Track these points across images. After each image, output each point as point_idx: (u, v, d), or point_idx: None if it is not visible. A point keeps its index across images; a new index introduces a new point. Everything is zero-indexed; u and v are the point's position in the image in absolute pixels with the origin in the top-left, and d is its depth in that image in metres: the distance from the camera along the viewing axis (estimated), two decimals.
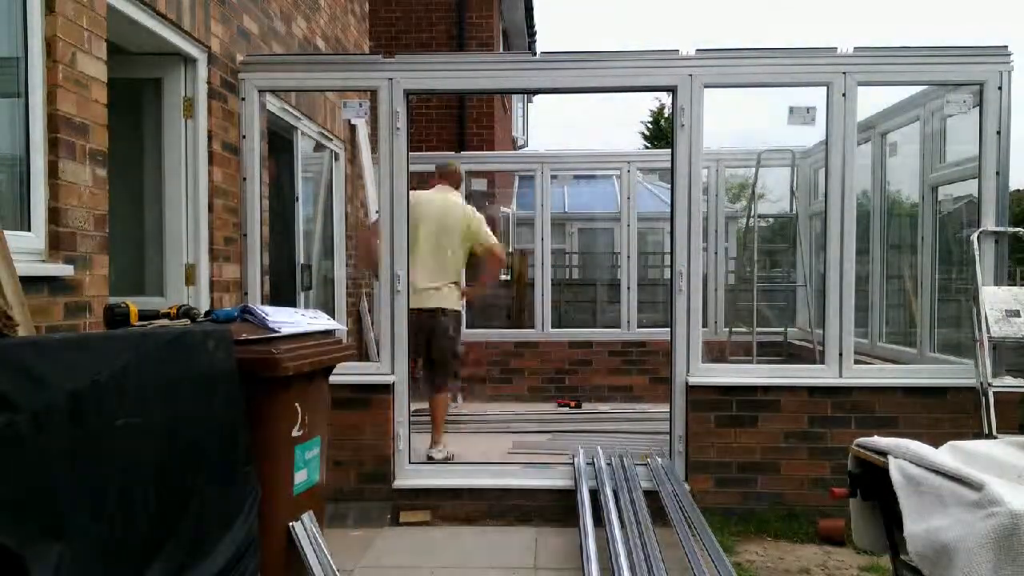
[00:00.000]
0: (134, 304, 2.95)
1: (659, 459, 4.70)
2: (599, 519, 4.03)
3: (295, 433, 3.07)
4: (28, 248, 2.93)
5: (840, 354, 4.52)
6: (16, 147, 2.97)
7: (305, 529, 3.09)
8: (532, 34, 15.01)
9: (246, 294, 4.69)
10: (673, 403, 4.64)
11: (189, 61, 4.25)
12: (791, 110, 4.68)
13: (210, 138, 4.37)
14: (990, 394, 4.14)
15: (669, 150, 4.84)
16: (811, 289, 7.16)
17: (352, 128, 7.10)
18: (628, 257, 7.86)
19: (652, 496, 4.43)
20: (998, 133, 4.45)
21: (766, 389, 4.56)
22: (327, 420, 3.45)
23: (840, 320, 4.53)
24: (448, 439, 5.54)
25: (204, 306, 4.25)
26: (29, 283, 2.73)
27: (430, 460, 5.21)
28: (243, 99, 4.69)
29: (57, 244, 3.05)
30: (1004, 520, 1.94)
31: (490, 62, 5.24)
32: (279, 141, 5.68)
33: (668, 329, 4.72)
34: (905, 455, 2.35)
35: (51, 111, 3.02)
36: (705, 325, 5.89)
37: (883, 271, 6.15)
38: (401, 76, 4.62)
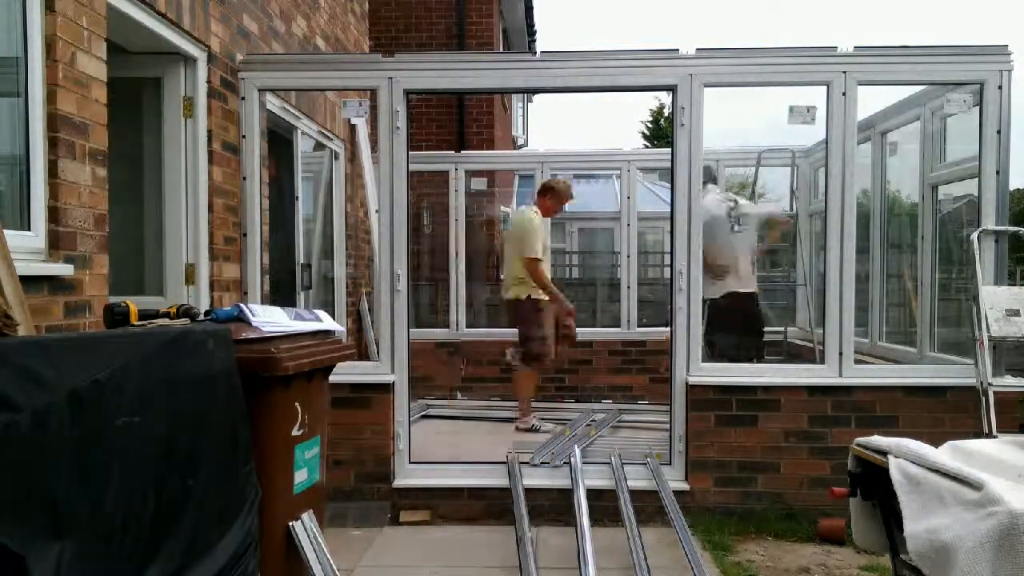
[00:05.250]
0: (134, 304, 2.95)
1: (654, 459, 4.71)
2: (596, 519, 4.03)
3: (295, 432, 3.07)
4: (28, 247, 2.93)
5: (840, 353, 4.52)
6: (16, 146, 2.97)
7: (305, 529, 3.08)
8: (532, 34, 15.01)
9: (246, 294, 4.69)
10: (673, 403, 4.64)
11: (189, 60, 4.25)
12: (791, 109, 4.69)
13: (210, 138, 4.37)
14: (990, 393, 4.14)
15: (669, 150, 4.84)
16: (811, 288, 7.15)
17: (352, 127, 7.10)
18: (628, 256, 7.86)
19: (652, 496, 4.44)
20: (998, 132, 4.45)
21: (766, 389, 4.56)
22: (327, 420, 3.44)
23: (840, 319, 4.52)
24: (453, 438, 5.56)
25: (204, 306, 4.25)
26: (29, 282, 2.73)
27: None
28: (243, 98, 4.69)
29: (57, 243, 3.05)
30: (1004, 520, 1.93)
31: (490, 62, 5.24)
32: (279, 140, 5.68)
33: (668, 328, 4.72)
34: (905, 454, 2.35)
35: (51, 111, 3.02)
36: None
37: (883, 270, 6.15)
38: (401, 75, 4.62)
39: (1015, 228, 4.61)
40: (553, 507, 4.55)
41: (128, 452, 2.17)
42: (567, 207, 7.22)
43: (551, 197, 6.54)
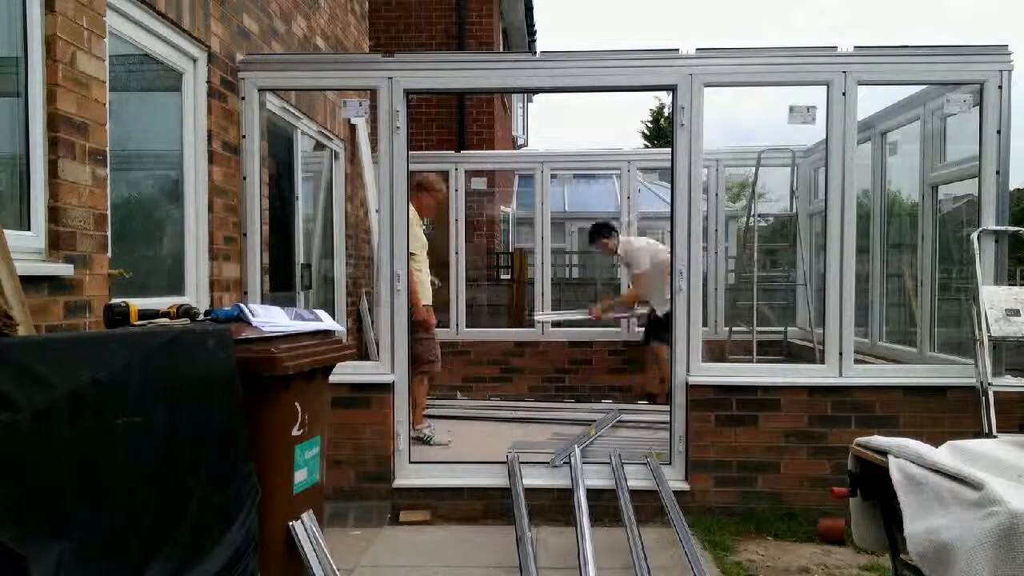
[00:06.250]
0: (134, 304, 2.95)
1: (654, 459, 4.70)
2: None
3: (295, 432, 3.07)
4: (28, 247, 2.93)
5: (840, 353, 4.52)
6: (16, 146, 2.97)
7: (305, 528, 3.09)
8: (532, 34, 15.02)
9: (246, 293, 4.69)
10: (673, 403, 4.64)
11: (189, 60, 4.24)
12: (791, 109, 4.68)
13: (210, 137, 4.37)
14: (990, 393, 4.14)
15: (669, 150, 4.84)
16: (811, 288, 7.15)
17: (352, 127, 7.10)
18: None
19: (652, 495, 4.44)
20: (998, 132, 4.45)
21: (766, 388, 4.56)
22: (327, 419, 3.44)
23: (840, 319, 4.52)
24: (453, 438, 5.54)
25: (204, 306, 4.25)
26: (29, 282, 2.73)
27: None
28: (243, 98, 4.68)
29: (57, 243, 3.05)
30: (1004, 520, 1.93)
31: (490, 61, 5.24)
32: (279, 140, 5.68)
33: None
34: (905, 454, 2.35)
35: (51, 110, 3.02)
36: (705, 324, 5.89)
37: (883, 270, 6.16)
38: (401, 75, 4.62)
39: (1015, 228, 4.61)
40: (553, 507, 4.55)
41: (128, 452, 2.17)
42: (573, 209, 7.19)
43: (427, 194, 5.90)
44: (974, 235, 4.44)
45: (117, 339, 2.33)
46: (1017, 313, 4.27)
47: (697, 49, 4.58)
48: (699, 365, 4.59)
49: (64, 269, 3.03)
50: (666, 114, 28.56)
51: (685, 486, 4.55)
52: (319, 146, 6.62)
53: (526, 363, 7.86)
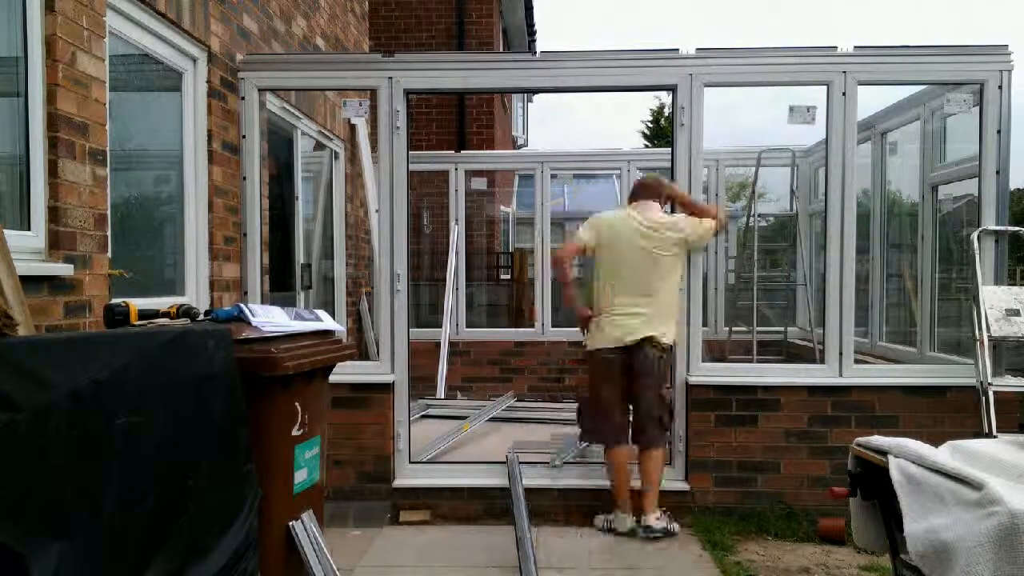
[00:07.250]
0: (134, 304, 2.95)
1: None
2: None
3: (295, 432, 3.07)
4: (28, 247, 2.93)
5: (840, 353, 4.52)
6: (16, 146, 2.97)
7: (305, 529, 3.08)
8: (532, 33, 15.02)
9: (245, 293, 4.69)
10: (673, 403, 4.63)
11: (189, 60, 4.24)
12: (791, 109, 4.68)
13: (210, 137, 4.37)
14: (990, 393, 4.14)
15: (669, 150, 4.84)
16: (811, 288, 7.15)
17: (352, 127, 7.11)
18: None
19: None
20: (998, 132, 4.45)
21: (766, 388, 4.56)
22: (327, 419, 3.44)
23: (840, 319, 4.52)
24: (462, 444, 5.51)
25: (204, 306, 4.25)
26: (29, 282, 2.73)
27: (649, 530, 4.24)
28: (243, 98, 4.68)
29: (57, 243, 3.05)
30: (1004, 520, 1.94)
31: (490, 61, 5.24)
32: (279, 140, 5.68)
33: None
34: (905, 454, 2.35)
35: (51, 110, 3.02)
36: (705, 324, 5.88)
37: (883, 270, 6.16)
38: (401, 75, 4.62)
39: (1015, 228, 4.61)
40: (553, 507, 4.55)
41: (128, 452, 2.17)
42: (567, 207, 7.14)
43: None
44: (974, 235, 4.44)
45: (117, 339, 2.33)
46: (1017, 313, 4.27)
47: (697, 49, 4.58)
48: (699, 365, 4.59)
49: (64, 269, 3.03)
50: (666, 114, 28.55)
51: (685, 486, 4.55)
52: (319, 146, 6.62)
53: (526, 363, 7.86)
